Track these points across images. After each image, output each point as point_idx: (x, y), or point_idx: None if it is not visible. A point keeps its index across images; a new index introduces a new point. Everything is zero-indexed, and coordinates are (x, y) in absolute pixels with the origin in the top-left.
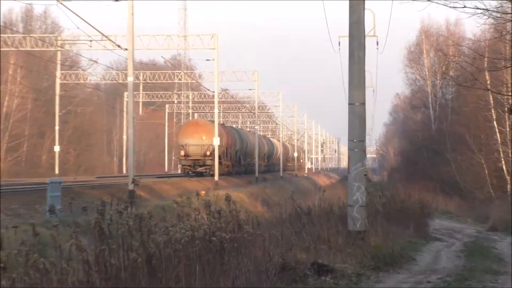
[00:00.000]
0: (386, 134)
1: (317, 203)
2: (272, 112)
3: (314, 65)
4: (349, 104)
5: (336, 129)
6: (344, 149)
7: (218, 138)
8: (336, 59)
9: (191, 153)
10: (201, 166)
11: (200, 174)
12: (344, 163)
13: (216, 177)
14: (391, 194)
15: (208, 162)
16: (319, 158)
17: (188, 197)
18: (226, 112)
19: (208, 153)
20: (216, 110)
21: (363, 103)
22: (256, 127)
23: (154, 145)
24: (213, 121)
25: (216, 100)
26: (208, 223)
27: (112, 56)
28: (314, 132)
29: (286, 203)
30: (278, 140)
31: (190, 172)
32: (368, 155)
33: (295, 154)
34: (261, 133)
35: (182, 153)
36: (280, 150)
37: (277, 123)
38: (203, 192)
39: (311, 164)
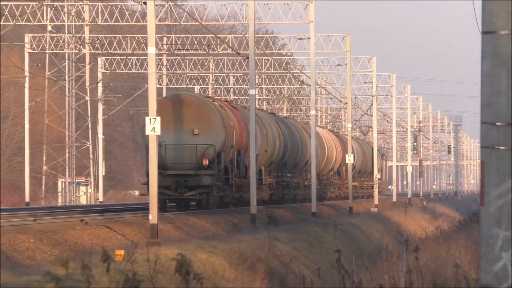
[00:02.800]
0: None
1: (403, 281)
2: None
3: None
4: (483, 33)
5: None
6: (472, 147)
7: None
8: None
9: (170, 163)
10: (191, 188)
11: (186, 205)
12: (471, 181)
13: (154, 216)
14: None
15: (207, 181)
16: (409, 170)
17: (84, 264)
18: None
19: (205, 161)
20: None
21: None
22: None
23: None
24: (212, 98)
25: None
26: None
27: None
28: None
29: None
30: (335, 134)
31: (168, 201)
32: None
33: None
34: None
35: None
36: (335, 153)
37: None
38: (120, 253)
39: (386, 183)
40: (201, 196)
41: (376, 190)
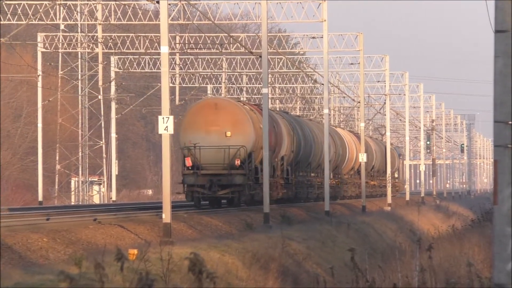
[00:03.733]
0: None
1: (417, 280)
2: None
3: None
4: (496, 32)
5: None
6: (485, 146)
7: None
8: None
9: (204, 163)
10: (224, 187)
11: (219, 203)
12: (484, 180)
13: (167, 215)
14: None
15: (239, 180)
16: (422, 168)
17: (97, 263)
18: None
19: (237, 162)
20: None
21: None
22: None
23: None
24: (242, 102)
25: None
26: None
27: None
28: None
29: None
30: (355, 134)
31: (202, 200)
32: None
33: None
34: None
35: (188, 162)
36: (356, 153)
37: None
38: (133, 252)
39: (403, 181)
40: (233, 195)
41: (389, 189)
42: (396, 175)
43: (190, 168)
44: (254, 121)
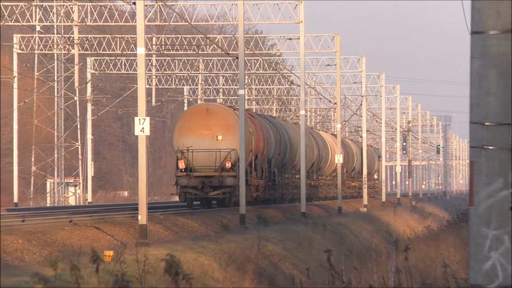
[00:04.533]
0: None
1: (393, 281)
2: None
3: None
4: (472, 33)
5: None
6: (461, 147)
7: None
8: None
9: (197, 166)
10: (216, 188)
11: (209, 204)
12: (460, 181)
13: (143, 217)
14: None
15: (230, 181)
16: (398, 170)
17: (73, 265)
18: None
19: (228, 164)
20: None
21: (510, 31)
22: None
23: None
24: (232, 107)
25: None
26: None
27: None
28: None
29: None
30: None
31: (194, 200)
32: None
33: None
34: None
35: (182, 165)
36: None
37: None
38: (109, 253)
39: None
40: (224, 196)
41: (365, 190)
42: (375, 177)
43: (183, 170)
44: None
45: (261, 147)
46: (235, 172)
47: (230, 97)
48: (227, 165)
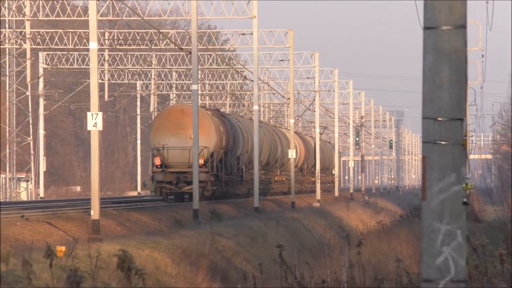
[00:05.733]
0: None
1: (346, 276)
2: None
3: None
4: (425, 28)
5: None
6: (413, 142)
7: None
8: None
9: (172, 162)
10: (189, 183)
11: (181, 198)
12: (412, 176)
13: (95, 212)
14: None
15: (202, 177)
16: (351, 165)
17: (25, 260)
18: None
19: (201, 161)
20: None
21: (462, 27)
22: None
23: None
24: (205, 108)
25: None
26: None
27: None
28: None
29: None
30: (299, 135)
31: (168, 195)
32: (471, 157)
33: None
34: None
35: (157, 161)
36: (299, 152)
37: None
38: (61, 249)
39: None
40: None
41: (318, 185)
42: (333, 172)
43: (159, 166)
44: (215, 125)
45: (230, 145)
46: (208, 168)
47: (183, 92)
48: (200, 161)
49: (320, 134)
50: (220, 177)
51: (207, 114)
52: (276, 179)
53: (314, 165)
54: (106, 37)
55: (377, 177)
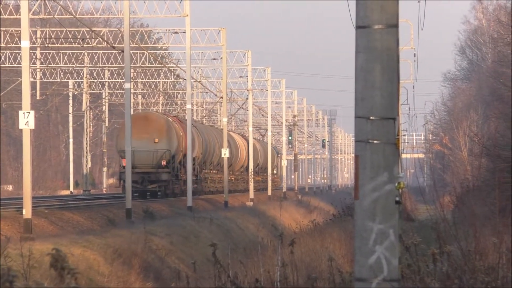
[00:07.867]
0: (454, 103)
1: (279, 275)
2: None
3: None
4: (357, 27)
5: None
6: (346, 141)
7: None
8: None
9: (137, 163)
10: (153, 182)
11: (146, 195)
12: (345, 175)
13: (28, 211)
14: (466, 253)
15: (165, 177)
16: (284, 164)
17: None
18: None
19: (163, 162)
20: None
21: (394, 26)
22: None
23: None
24: (166, 115)
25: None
26: None
27: None
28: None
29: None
30: (245, 138)
31: (134, 193)
32: (404, 156)
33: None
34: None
35: (124, 163)
36: (245, 154)
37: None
38: None
39: (281, 177)
40: (160, 188)
41: (251, 184)
42: (275, 172)
43: (125, 167)
44: (176, 130)
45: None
46: (169, 169)
47: (116, 91)
48: (163, 163)
49: (262, 136)
50: (180, 177)
51: (168, 120)
52: (218, 178)
53: (258, 165)
54: (38, 36)
55: (310, 176)
